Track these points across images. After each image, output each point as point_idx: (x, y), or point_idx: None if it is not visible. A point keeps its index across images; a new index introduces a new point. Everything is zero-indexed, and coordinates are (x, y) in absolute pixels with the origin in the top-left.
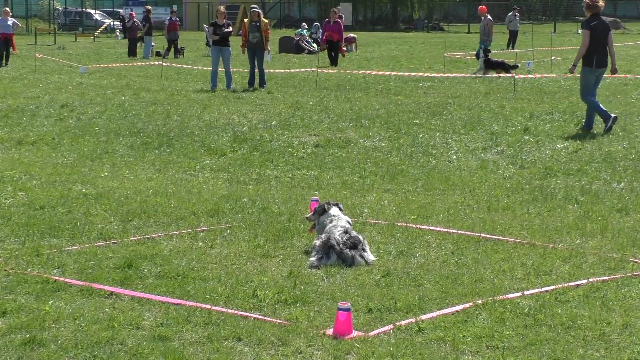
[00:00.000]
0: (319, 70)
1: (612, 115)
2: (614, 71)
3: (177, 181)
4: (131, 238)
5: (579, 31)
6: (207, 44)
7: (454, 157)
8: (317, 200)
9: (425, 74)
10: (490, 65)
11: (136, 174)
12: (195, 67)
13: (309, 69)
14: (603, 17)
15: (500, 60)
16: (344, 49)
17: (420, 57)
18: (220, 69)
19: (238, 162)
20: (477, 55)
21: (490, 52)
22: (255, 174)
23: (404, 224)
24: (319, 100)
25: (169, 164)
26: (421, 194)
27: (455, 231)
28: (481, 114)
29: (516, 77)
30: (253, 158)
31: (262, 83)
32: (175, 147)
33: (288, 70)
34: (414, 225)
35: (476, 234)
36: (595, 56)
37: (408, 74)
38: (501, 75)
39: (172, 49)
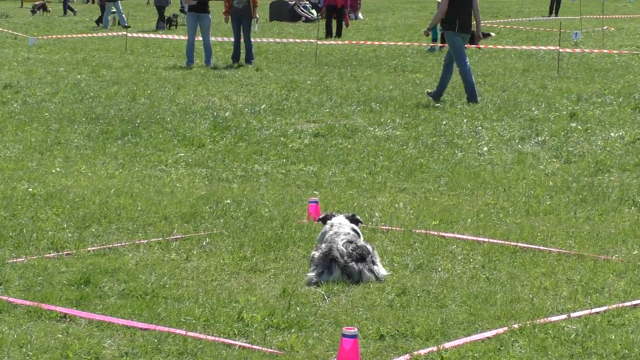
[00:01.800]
0: (318, 42)
1: (476, 95)
2: (477, 38)
3: (144, 178)
4: (89, 248)
5: None
6: (182, 10)
7: (485, 149)
8: (316, 202)
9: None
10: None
11: (95, 170)
12: (166, 38)
13: (306, 41)
14: None
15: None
16: (349, 16)
17: None
18: (198, 39)
19: (219, 155)
20: None
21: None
22: (241, 169)
23: (423, 231)
24: (318, 79)
25: (134, 158)
26: (444, 194)
27: (487, 240)
28: (518, 96)
29: (561, 50)
30: (238, 150)
31: (248, 58)
32: (143, 136)
33: (281, 41)
34: (435, 233)
35: (512, 243)
36: (458, 20)
37: (428, 46)
38: (468, 46)
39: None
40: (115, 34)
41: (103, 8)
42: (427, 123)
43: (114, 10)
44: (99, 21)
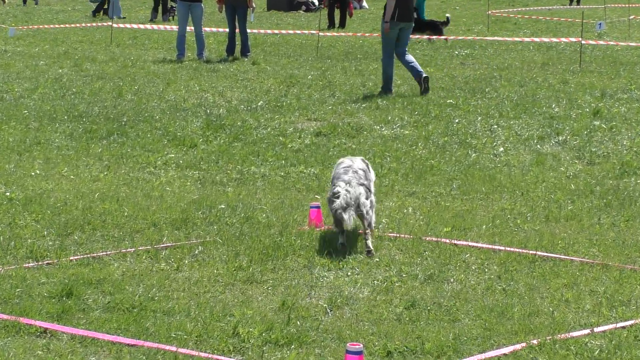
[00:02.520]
0: (320, 34)
1: (424, 74)
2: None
3: (131, 182)
4: (71, 257)
5: None
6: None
7: (501, 149)
8: (318, 207)
9: (463, 38)
10: (417, 27)
11: (77, 173)
12: (155, 28)
13: (307, 32)
14: None
15: (429, 20)
16: (353, 5)
17: (455, 16)
18: (190, 30)
19: (213, 156)
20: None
21: (416, 10)
22: (236, 171)
23: (434, 239)
24: (320, 74)
25: (120, 159)
26: (457, 198)
27: (503, 248)
28: (537, 91)
29: (583, 42)
30: (233, 151)
31: (244, 50)
32: (130, 136)
33: (279, 32)
34: (447, 241)
35: (530, 252)
36: (399, 9)
37: (440, 37)
38: (432, 38)
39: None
40: (99, 24)
41: None
42: (438, 121)
43: None
44: (96, 11)
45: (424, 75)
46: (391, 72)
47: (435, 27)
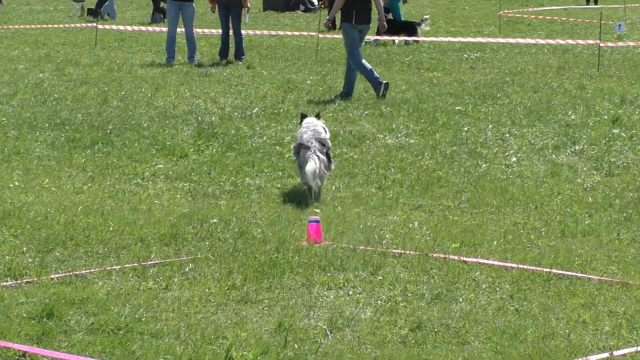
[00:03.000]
0: (320, 36)
1: (384, 81)
2: (381, 28)
3: (117, 194)
4: (52, 275)
5: None
6: None
7: (514, 159)
8: (317, 222)
9: (473, 40)
10: (392, 29)
11: (59, 184)
12: (143, 30)
13: (306, 34)
14: None
15: (405, 20)
16: None
17: (465, 16)
18: (180, 31)
19: (205, 166)
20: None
21: (389, 11)
22: (230, 183)
23: (441, 256)
24: (320, 79)
25: (105, 170)
26: (466, 212)
27: (515, 265)
28: (552, 97)
29: (602, 45)
30: (226, 161)
31: (238, 53)
32: (116, 145)
33: (276, 33)
34: (456, 257)
35: (545, 270)
36: (355, 10)
37: (448, 39)
38: (408, 40)
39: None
40: (83, 25)
41: None
42: (445, 129)
43: None
44: (93, 12)
45: (385, 82)
46: (355, 77)
47: (411, 28)
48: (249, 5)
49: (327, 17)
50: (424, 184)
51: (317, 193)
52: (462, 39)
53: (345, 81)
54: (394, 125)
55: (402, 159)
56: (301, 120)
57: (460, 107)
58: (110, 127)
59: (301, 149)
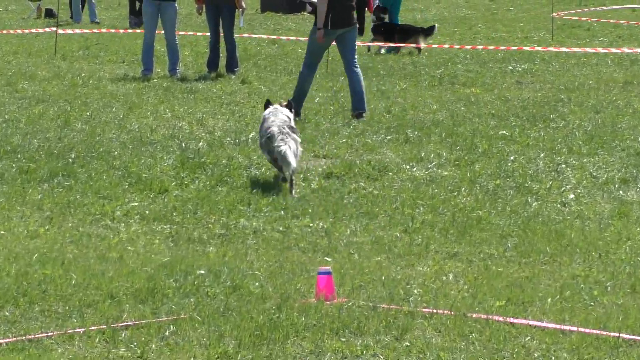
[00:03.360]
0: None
1: (362, 112)
2: (360, 32)
3: (81, 239)
4: (0, 340)
5: None
6: None
7: (571, 196)
8: (328, 273)
9: (519, 48)
10: (381, 32)
11: (10, 226)
12: (114, 34)
13: None
14: None
15: (404, 25)
16: (373, 3)
17: (509, 19)
18: (159, 33)
19: (189, 204)
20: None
21: (386, 12)
22: (220, 225)
23: (483, 316)
24: (331, 96)
25: (67, 209)
26: (513, 261)
27: (575, 329)
28: (618, 119)
29: None
30: (216, 197)
31: (231, 65)
32: (80, 177)
33: (277, 39)
34: (501, 319)
35: (612, 334)
36: (332, 11)
37: (488, 48)
38: (401, 46)
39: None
40: (39, 30)
41: None
42: (487, 159)
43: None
44: (51, 13)
45: (362, 112)
46: (307, 88)
47: (413, 33)
48: (244, 6)
49: (317, 27)
50: (460, 227)
51: (293, 180)
52: (506, 47)
53: (352, 97)
54: (422, 154)
55: (433, 195)
56: (265, 108)
57: (504, 131)
58: (73, 156)
59: (276, 136)
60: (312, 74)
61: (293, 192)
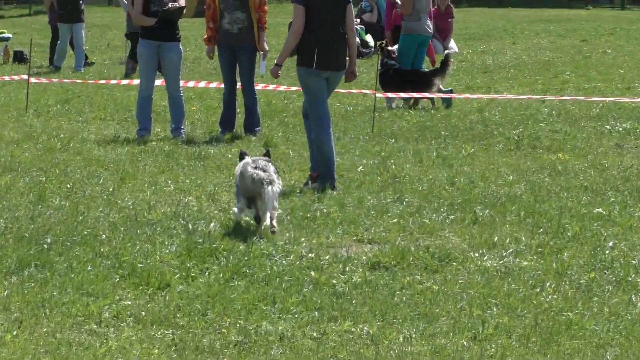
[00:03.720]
0: (378, 95)
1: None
2: (349, 76)
3: (59, 348)
4: None
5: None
6: (129, 35)
7: None
8: None
9: (619, 99)
10: (387, 81)
11: None
12: (102, 84)
13: (356, 92)
14: None
15: (416, 70)
16: (433, 46)
17: (606, 64)
18: (159, 82)
19: (197, 303)
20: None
21: (394, 54)
22: (237, 330)
23: None
24: (379, 163)
25: (41, 309)
26: None
27: None
28: None
29: None
30: (232, 294)
31: (251, 123)
32: (57, 268)
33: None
34: None
35: None
36: (318, 49)
37: (580, 99)
38: (412, 97)
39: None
40: (6, 78)
41: (56, 30)
42: (578, 244)
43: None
44: (22, 57)
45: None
46: (331, 152)
47: (422, 81)
48: (267, 48)
49: (276, 63)
50: (545, 333)
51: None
52: (602, 100)
53: (313, 162)
54: (495, 239)
55: (509, 292)
56: (240, 159)
57: (600, 209)
58: (49, 240)
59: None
60: (328, 130)
61: (273, 225)
